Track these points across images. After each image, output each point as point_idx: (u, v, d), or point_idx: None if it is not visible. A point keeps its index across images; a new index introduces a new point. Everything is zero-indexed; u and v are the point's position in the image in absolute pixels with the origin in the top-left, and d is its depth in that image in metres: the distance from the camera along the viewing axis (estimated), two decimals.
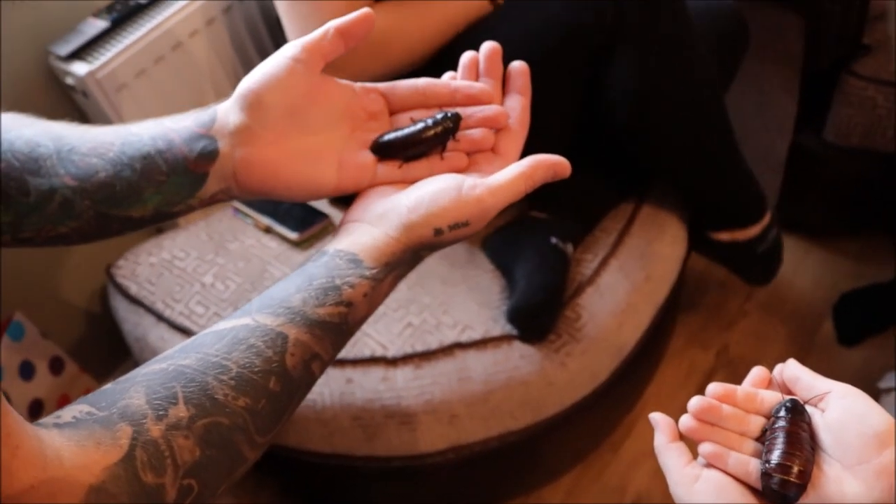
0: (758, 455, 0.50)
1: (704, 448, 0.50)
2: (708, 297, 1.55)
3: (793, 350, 1.48)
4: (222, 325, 0.50)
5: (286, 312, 0.50)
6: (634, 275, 1.20)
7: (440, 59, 1.08)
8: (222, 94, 1.38)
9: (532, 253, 1.13)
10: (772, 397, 0.52)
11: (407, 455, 1.11)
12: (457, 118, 0.58)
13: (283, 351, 0.49)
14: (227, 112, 0.57)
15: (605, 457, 1.40)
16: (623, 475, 1.38)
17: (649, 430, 1.60)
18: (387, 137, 0.58)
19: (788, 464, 0.47)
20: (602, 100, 1.10)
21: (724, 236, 1.28)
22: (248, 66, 1.41)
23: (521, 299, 1.10)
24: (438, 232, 0.54)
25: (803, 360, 0.53)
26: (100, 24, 1.23)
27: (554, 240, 1.14)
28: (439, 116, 0.58)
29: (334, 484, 1.22)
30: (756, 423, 0.51)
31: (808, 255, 1.61)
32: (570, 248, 1.16)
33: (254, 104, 0.56)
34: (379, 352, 1.09)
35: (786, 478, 0.47)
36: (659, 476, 1.41)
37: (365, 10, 0.58)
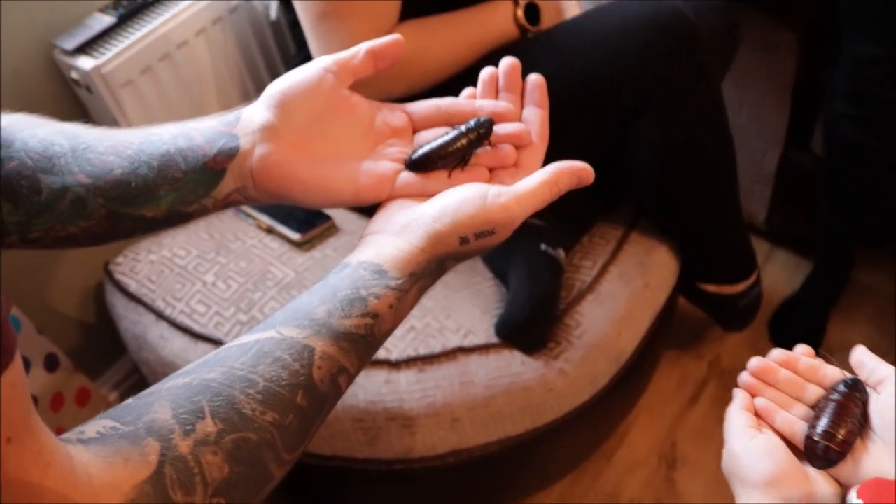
0: (808, 420, 0.55)
1: (758, 401, 0.56)
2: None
3: None
4: (246, 339, 0.49)
5: (312, 325, 0.49)
6: (634, 282, 1.22)
7: (465, 82, 1.09)
8: (226, 93, 1.38)
9: (522, 261, 1.14)
10: (834, 373, 0.57)
11: (407, 458, 1.11)
12: (489, 123, 0.58)
13: (310, 364, 0.48)
14: (252, 111, 0.57)
15: (599, 464, 1.41)
16: (616, 483, 1.39)
17: (643, 439, 1.62)
18: (421, 151, 0.58)
19: (833, 431, 0.51)
20: (624, 146, 1.13)
21: (712, 288, 1.32)
22: (252, 66, 1.41)
23: (507, 315, 1.11)
24: (464, 241, 0.54)
25: None
26: (106, 20, 1.22)
27: (544, 246, 1.15)
28: (472, 123, 0.58)
29: (333, 486, 1.22)
30: (813, 392, 0.56)
31: (798, 269, 1.63)
32: (561, 253, 1.17)
33: (281, 104, 0.56)
34: (382, 354, 1.09)
35: (828, 444, 0.51)
36: (651, 484, 1.43)
37: (396, 35, 0.59)
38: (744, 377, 0.58)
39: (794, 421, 0.55)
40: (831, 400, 0.54)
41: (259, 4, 1.38)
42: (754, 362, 0.59)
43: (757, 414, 0.57)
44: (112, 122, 1.24)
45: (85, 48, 1.21)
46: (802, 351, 0.59)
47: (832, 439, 0.51)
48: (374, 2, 1.02)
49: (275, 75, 1.43)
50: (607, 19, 1.09)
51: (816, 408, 0.55)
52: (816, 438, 0.52)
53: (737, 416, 0.56)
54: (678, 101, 1.08)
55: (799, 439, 0.54)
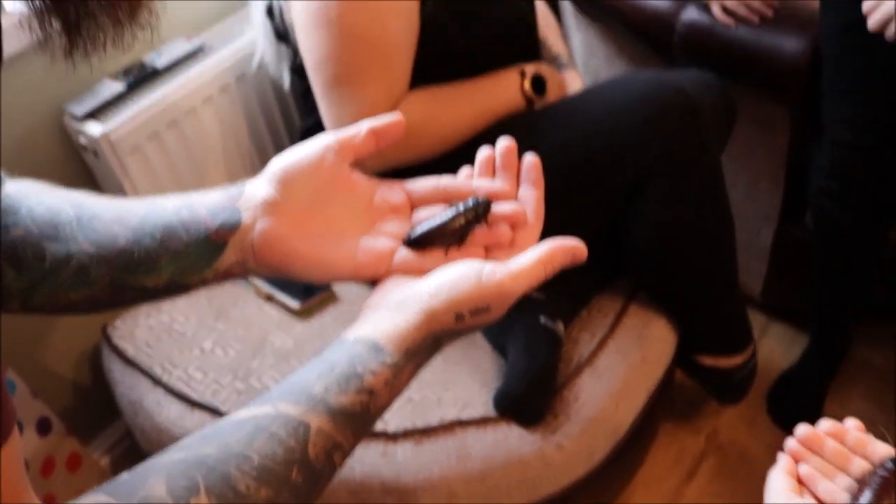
0: (851, 492, 0.55)
1: (801, 468, 0.58)
2: None
3: (781, 435, 1.49)
4: (243, 414, 0.49)
5: (308, 401, 0.49)
6: (631, 356, 1.22)
7: (470, 151, 1.12)
8: (231, 160, 1.40)
9: (521, 334, 1.14)
10: (884, 449, 0.58)
11: None
12: (487, 204, 0.59)
13: (306, 440, 0.48)
14: (255, 186, 0.58)
15: None
16: None
17: None
18: (421, 230, 0.59)
19: None
20: (625, 220, 1.15)
21: (708, 361, 1.33)
22: (256, 134, 1.43)
23: (505, 389, 1.11)
24: (459, 317, 0.54)
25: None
26: (116, 87, 1.25)
27: (543, 319, 1.15)
28: (470, 203, 0.59)
29: None
30: (859, 466, 0.57)
31: (794, 342, 1.64)
32: (560, 326, 1.18)
33: (283, 180, 0.57)
34: (379, 426, 1.09)
35: None
36: None
37: (397, 115, 0.60)
38: (790, 443, 0.59)
39: (837, 491, 0.56)
40: (877, 475, 0.55)
41: (265, 73, 1.41)
42: (802, 429, 0.60)
43: (800, 481, 0.58)
44: (117, 186, 1.25)
45: (94, 114, 1.23)
46: (853, 425, 0.60)
47: None
48: (385, 69, 1.05)
49: (279, 143, 1.46)
50: (610, 95, 1.12)
51: (861, 481, 0.56)
52: None
53: (778, 479, 0.57)
54: (680, 177, 1.10)
55: None
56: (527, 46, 1.24)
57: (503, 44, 1.19)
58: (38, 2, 0.40)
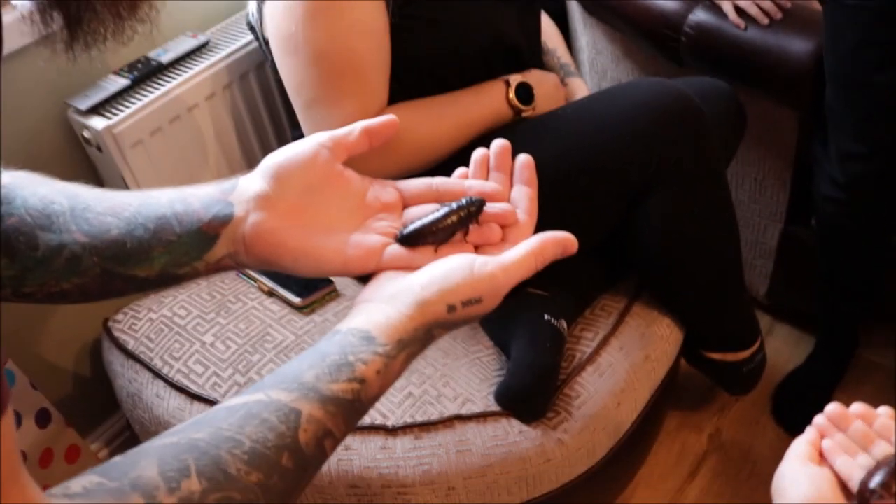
0: (868, 470, 0.58)
1: (824, 442, 0.61)
2: (701, 380, 1.56)
3: (784, 436, 1.48)
4: (235, 401, 0.50)
5: (299, 388, 0.50)
6: (634, 354, 1.21)
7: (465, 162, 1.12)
8: (232, 155, 1.40)
9: (525, 330, 1.14)
10: None
11: None
12: (480, 203, 0.60)
13: (297, 426, 0.49)
14: (249, 181, 0.59)
15: None
16: None
17: None
18: (413, 227, 0.59)
19: (890, 482, 0.55)
20: (629, 226, 1.14)
21: (716, 356, 1.33)
22: (259, 130, 1.43)
23: (508, 382, 1.11)
24: (451, 308, 0.55)
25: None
26: (121, 82, 1.25)
27: (547, 316, 1.15)
28: (463, 201, 0.59)
29: None
30: (883, 450, 0.59)
31: (799, 343, 1.63)
32: (563, 324, 1.17)
33: (276, 175, 0.58)
34: (379, 420, 1.08)
35: (883, 493, 0.54)
36: None
37: (390, 115, 0.61)
38: (818, 418, 0.62)
39: (854, 467, 0.58)
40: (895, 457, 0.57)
41: (268, 72, 1.41)
42: (832, 407, 0.62)
43: (821, 454, 0.60)
44: (119, 179, 1.26)
45: (98, 108, 1.23)
46: (885, 412, 0.62)
47: (888, 489, 0.54)
48: (358, 86, 1.05)
49: (282, 140, 1.46)
50: (614, 102, 1.11)
51: (879, 462, 0.58)
52: (872, 486, 0.55)
53: (799, 445, 0.61)
54: (685, 184, 1.10)
55: (854, 484, 0.57)
56: (512, 65, 1.21)
57: (481, 62, 1.17)
58: None
